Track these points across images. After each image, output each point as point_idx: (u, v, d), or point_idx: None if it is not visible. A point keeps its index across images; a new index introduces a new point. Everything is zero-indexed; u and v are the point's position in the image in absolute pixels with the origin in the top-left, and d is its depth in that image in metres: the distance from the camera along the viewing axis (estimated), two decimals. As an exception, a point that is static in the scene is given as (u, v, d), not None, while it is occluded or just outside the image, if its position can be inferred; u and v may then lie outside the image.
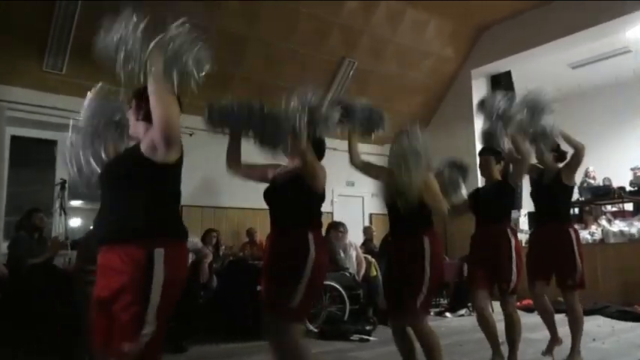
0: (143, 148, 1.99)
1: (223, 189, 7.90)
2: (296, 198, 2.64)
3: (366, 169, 3.52)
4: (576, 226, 7.65)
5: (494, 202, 3.76)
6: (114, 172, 2.09)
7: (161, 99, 1.93)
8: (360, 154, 3.51)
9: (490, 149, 3.86)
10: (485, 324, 3.61)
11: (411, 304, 2.87)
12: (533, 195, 4.16)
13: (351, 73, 8.55)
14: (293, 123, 2.49)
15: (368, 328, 5.72)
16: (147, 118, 2.05)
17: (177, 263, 1.98)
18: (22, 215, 5.47)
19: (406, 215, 2.89)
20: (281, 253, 2.60)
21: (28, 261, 4.92)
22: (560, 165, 4.03)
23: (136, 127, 2.15)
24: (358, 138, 3.51)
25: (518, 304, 7.15)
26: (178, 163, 2.06)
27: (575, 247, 3.83)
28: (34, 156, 7.14)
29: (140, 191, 1.97)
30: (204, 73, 2.10)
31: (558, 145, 4.09)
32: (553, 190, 3.94)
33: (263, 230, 8.03)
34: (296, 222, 2.64)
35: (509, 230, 3.69)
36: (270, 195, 2.77)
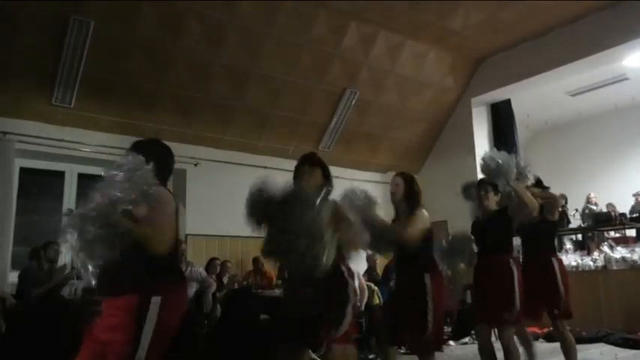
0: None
1: (227, 218, 7.97)
2: None
3: None
4: (579, 253, 7.75)
5: (494, 232, 3.83)
6: None
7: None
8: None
9: (488, 182, 3.94)
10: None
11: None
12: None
13: (352, 102, 8.71)
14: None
15: (370, 356, 5.74)
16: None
17: (174, 307, 2.17)
18: (40, 245, 5.62)
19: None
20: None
21: (34, 292, 5.02)
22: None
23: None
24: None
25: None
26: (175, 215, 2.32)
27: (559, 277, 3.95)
28: (41, 187, 7.28)
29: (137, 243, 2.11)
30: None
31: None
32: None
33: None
34: None
35: (511, 260, 3.74)
36: None
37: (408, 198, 3.33)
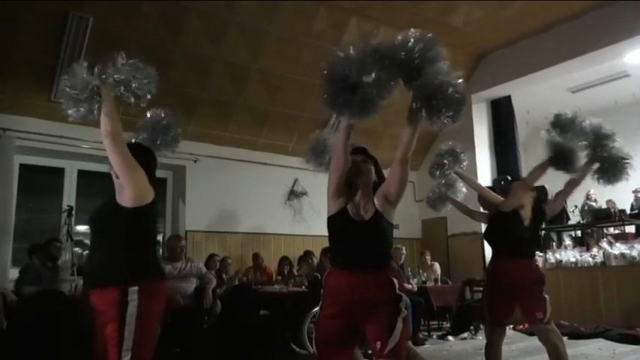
0: (117, 196, 2.31)
1: (227, 214, 8.00)
2: None
3: None
4: (578, 249, 7.77)
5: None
6: (94, 222, 2.42)
7: (113, 138, 2.26)
8: None
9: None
10: None
11: None
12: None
13: (352, 98, 8.69)
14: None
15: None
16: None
17: (152, 297, 2.26)
18: (39, 243, 5.65)
19: None
20: None
21: (41, 286, 5.06)
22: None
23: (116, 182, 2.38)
24: None
25: (520, 327, 7.21)
26: (152, 206, 2.35)
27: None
28: (41, 183, 7.29)
29: (115, 238, 2.28)
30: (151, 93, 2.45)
31: None
32: None
33: (267, 255, 8.13)
34: None
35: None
36: None
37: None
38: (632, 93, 9.79)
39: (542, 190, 8.37)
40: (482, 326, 7.08)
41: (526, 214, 3.69)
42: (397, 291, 2.29)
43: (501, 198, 3.81)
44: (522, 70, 8.73)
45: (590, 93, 9.81)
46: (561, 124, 3.80)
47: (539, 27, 8.28)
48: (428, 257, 8.31)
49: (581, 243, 8.45)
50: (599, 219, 8.33)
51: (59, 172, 7.25)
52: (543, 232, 8.85)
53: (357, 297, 2.24)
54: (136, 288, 2.18)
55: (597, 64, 8.36)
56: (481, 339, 6.61)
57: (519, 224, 3.65)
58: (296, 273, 7.48)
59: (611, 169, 3.76)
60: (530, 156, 9.66)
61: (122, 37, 6.54)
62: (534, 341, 5.91)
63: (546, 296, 3.46)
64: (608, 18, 7.61)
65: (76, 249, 6.95)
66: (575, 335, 6.40)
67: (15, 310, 4.75)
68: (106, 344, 2.20)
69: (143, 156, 2.45)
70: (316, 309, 5.95)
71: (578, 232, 9.07)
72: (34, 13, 5.95)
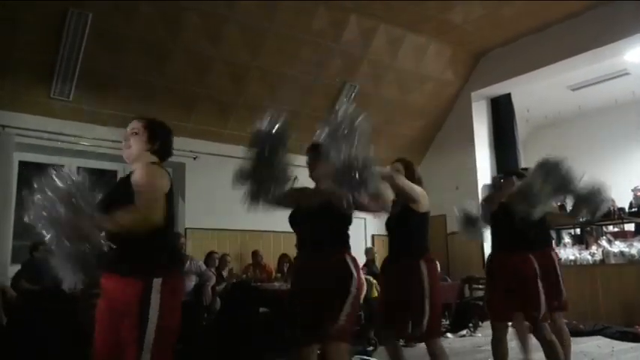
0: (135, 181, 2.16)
1: (226, 211, 7.99)
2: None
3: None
4: (577, 247, 7.77)
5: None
6: (112, 206, 2.08)
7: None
8: None
9: (514, 172, 3.95)
10: None
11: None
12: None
13: (352, 96, 8.69)
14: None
15: (369, 349, 5.76)
16: (157, 153, 2.32)
17: (174, 291, 2.13)
18: (40, 240, 5.62)
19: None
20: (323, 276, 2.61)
21: (42, 283, 5.07)
22: None
23: (138, 156, 2.29)
24: None
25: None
26: (169, 194, 2.23)
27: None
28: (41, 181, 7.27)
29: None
30: None
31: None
32: None
33: (266, 252, 8.13)
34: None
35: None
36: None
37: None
38: (631, 91, 9.78)
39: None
40: (481, 323, 7.12)
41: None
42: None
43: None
44: (522, 68, 8.72)
45: (590, 91, 9.80)
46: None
47: (539, 25, 8.28)
48: (427, 255, 8.30)
49: (580, 241, 8.44)
50: (599, 217, 8.32)
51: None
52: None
53: None
54: (160, 280, 2.05)
55: (597, 62, 8.35)
56: (480, 336, 6.62)
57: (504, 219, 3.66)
58: (295, 270, 7.48)
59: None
60: (529, 154, 9.66)
61: (122, 34, 6.53)
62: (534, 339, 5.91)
63: (541, 291, 3.44)
64: (608, 16, 7.61)
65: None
66: (574, 333, 6.37)
67: (15, 306, 4.75)
68: (118, 336, 2.05)
69: (162, 136, 2.37)
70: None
71: (578, 230, 9.06)
72: (33, 10, 5.94)
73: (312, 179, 2.89)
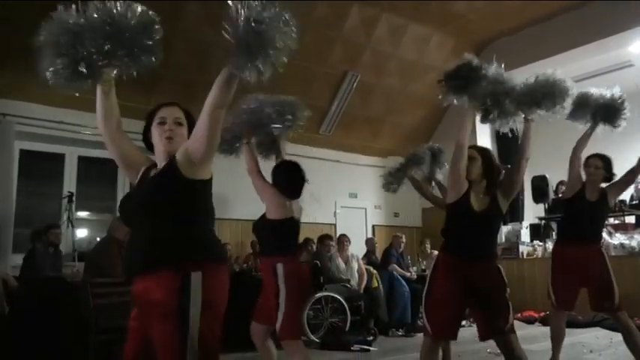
0: (180, 165, 1.88)
1: (227, 201, 7.99)
2: None
3: None
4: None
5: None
6: (155, 200, 1.91)
7: (217, 106, 1.88)
8: None
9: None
10: None
11: None
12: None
13: (354, 85, 8.66)
14: None
15: (369, 338, 5.80)
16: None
17: (216, 285, 1.89)
18: (40, 229, 5.66)
19: None
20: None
21: (44, 272, 5.09)
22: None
23: (181, 143, 1.98)
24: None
25: (518, 315, 7.25)
26: (211, 179, 1.98)
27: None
28: (42, 169, 7.28)
29: (179, 214, 1.87)
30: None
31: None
32: None
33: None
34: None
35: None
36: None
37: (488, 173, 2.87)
38: (635, 83, 9.71)
39: (542, 179, 8.37)
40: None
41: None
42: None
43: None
44: (525, 59, 8.65)
45: (594, 82, 9.64)
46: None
47: (543, 15, 8.23)
48: (428, 246, 8.32)
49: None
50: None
51: (59, 158, 7.24)
52: (543, 222, 8.84)
53: None
54: (199, 274, 1.80)
55: (601, 53, 8.31)
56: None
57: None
58: (295, 260, 7.51)
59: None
60: (532, 144, 9.63)
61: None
62: (533, 330, 5.96)
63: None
64: (612, 7, 7.56)
65: (78, 234, 6.98)
66: (573, 324, 6.43)
67: (16, 295, 4.77)
68: (160, 342, 1.79)
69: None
70: (317, 295, 6.00)
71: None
72: (34, -2, 5.90)
73: None
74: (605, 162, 3.81)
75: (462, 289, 2.73)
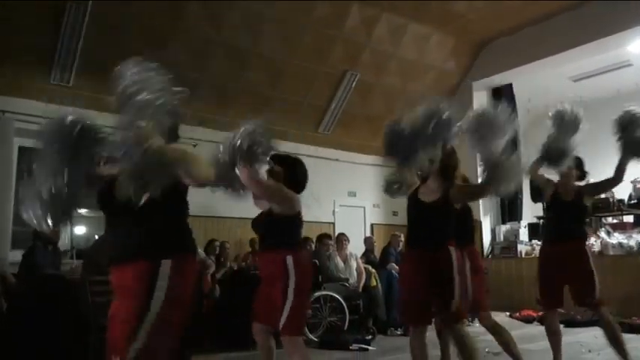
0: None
1: (226, 199, 7.98)
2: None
3: None
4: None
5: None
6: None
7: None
8: None
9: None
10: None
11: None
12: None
13: (353, 85, 8.66)
14: None
15: (368, 337, 5.80)
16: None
17: (184, 275, 2.02)
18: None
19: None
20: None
21: (43, 269, 5.08)
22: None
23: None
24: None
25: (517, 314, 7.25)
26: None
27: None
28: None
29: (155, 210, 2.00)
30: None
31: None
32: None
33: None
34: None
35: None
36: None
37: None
38: (634, 82, 9.74)
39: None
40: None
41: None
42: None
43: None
44: (524, 58, 8.69)
45: (593, 82, 9.76)
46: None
47: (542, 15, 8.23)
48: (427, 245, 8.31)
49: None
50: (598, 208, 8.34)
51: (59, 155, 7.22)
52: (542, 221, 8.85)
53: None
54: (168, 262, 1.95)
55: (600, 52, 8.33)
56: (478, 326, 6.64)
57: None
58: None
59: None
60: (530, 144, 9.64)
61: (121, 19, 6.49)
62: (531, 329, 5.97)
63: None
64: (611, 7, 7.57)
65: (76, 231, 6.98)
66: (571, 323, 6.44)
67: (15, 292, 4.77)
68: (118, 318, 1.94)
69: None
70: (316, 294, 6.00)
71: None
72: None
73: None
74: (577, 161, 3.85)
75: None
